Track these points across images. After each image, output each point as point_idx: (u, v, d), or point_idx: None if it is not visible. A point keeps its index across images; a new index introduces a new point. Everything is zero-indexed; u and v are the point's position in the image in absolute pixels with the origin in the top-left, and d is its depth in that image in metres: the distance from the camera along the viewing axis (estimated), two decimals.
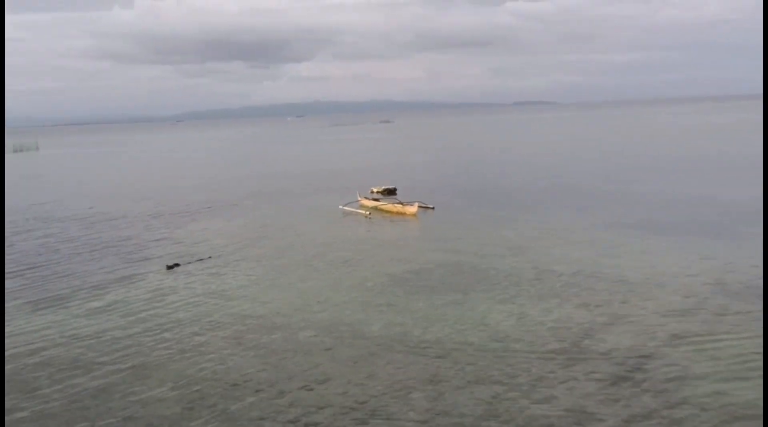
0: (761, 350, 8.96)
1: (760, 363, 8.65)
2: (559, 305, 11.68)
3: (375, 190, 28.28)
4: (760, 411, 7.17)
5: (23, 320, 12.18)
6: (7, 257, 17.68)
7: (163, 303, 12.96)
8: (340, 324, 11.21)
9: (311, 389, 8.65)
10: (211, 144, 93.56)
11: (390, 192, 27.96)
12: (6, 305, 13.11)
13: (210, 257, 16.87)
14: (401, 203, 23.63)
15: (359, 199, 25.32)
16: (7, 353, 10.35)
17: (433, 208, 23.42)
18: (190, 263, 16.31)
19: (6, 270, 16.10)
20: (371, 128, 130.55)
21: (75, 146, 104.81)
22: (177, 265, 16.06)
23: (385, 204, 24.17)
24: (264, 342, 10.50)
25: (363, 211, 23.45)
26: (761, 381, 8.12)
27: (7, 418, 8.14)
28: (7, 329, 11.49)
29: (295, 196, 29.02)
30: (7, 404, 8.52)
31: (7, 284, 14.81)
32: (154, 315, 12.18)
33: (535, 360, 9.25)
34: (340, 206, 24.47)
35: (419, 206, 22.88)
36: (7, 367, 9.78)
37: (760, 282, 12.35)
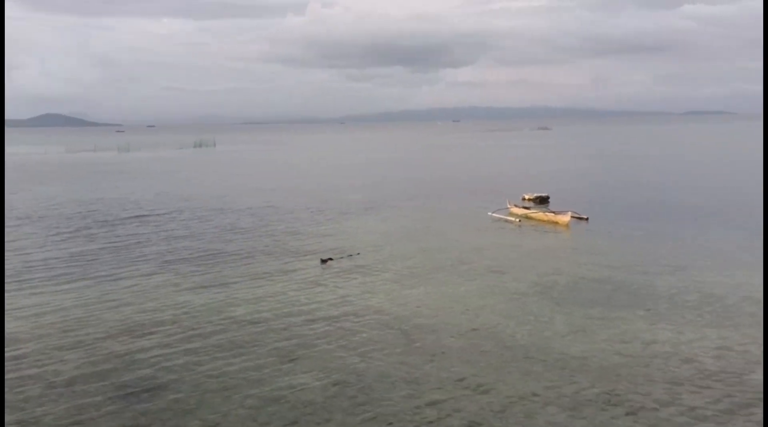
0: None
1: None
2: (722, 333, 10.79)
3: (526, 197, 27.74)
4: None
5: (190, 298, 13.37)
6: (184, 242, 19.50)
7: (315, 295, 13.64)
8: (481, 330, 11.17)
9: (447, 392, 8.71)
10: (370, 145, 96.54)
11: (542, 200, 27.29)
12: (181, 286, 14.48)
13: (359, 254, 17.49)
14: (553, 212, 22.99)
15: (509, 206, 24.97)
16: (173, 332, 11.44)
17: (587, 219, 22.55)
18: (341, 258, 17.02)
19: (184, 254, 17.78)
20: (528, 135, 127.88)
21: (247, 143, 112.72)
22: (330, 259, 16.83)
23: (537, 212, 23.65)
24: (405, 342, 10.72)
25: (513, 219, 23.11)
26: None
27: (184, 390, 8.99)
28: (182, 307, 12.71)
29: (445, 199, 29.21)
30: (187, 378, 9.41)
31: (183, 266, 16.35)
32: (306, 306, 12.85)
33: (687, 390, 8.64)
34: (490, 213, 24.28)
35: (572, 216, 22.13)
36: (165, 349, 10.80)
37: None
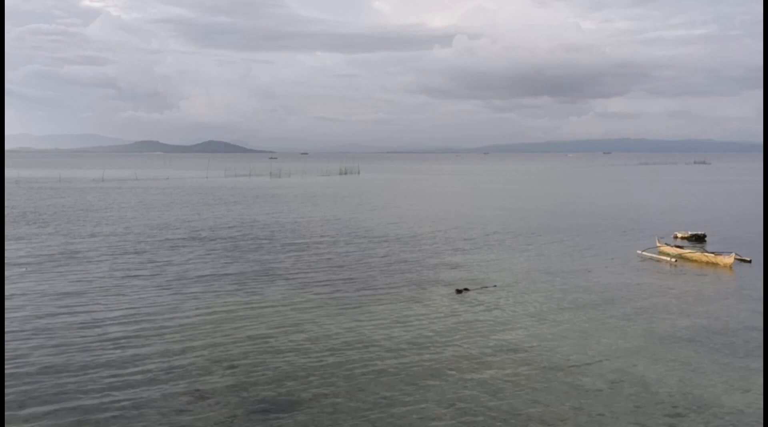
0: None
1: None
2: None
3: (679, 235, 25.88)
4: None
5: (329, 320, 13.69)
6: (324, 266, 20.11)
7: (449, 325, 13.49)
8: (624, 374, 10.44)
9: None
10: (513, 176, 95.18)
11: (698, 239, 25.33)
12: (319, 308, 14.89)
13: (495, 286, 17.10)
14: (713, 253, 21.21)
15: (658, 244, 23.38)
16: (310, 351, 11.74)
17: (749, 261, 20.58)
18: (478, 289, 16.73)
19: (324, 278, 18.32)
20: (683, 169, 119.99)
21: (390, 172, 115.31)
22: (466, 290, 16.61)
23: (693, 252, 21.94)
24: (540, 379, 10.27)
25: (666, 258, 21.59)
26: None
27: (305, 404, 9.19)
28: (319, 328, 13.06)
29: (587, 235, 27.95)
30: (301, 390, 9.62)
31: (322, 289, 16.84)
32: (440, 335, 12.73)
33: None
34: (639, 251, 22.88)
35: (736, 258, 20.30)
36: (308, 360, 11.07)
37: None
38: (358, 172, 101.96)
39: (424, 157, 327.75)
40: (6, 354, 11.08)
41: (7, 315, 13.67)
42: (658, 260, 21.56)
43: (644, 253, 22.56)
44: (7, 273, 18.26)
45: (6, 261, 20.20)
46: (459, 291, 16.51)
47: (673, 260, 21.26)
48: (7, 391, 9.47)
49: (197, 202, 44.62)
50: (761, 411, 8.86)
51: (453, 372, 10.57)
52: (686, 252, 22.03)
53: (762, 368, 10.55)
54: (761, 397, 9.38)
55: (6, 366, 10.50)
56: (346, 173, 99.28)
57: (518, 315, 14.36)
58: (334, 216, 34.55)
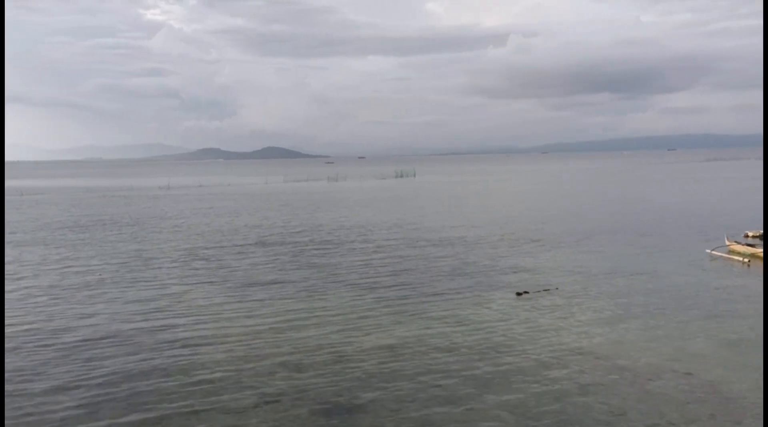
0: None
1: None
2: None
3: (750, 234, 24.90)
4: None
5: (390, 324, 13.80)
6: (383, 270, 20.26)
7: (510, 328, 13.40)
8: (694, 377, 10.17)
9: None
10: (572, 176, 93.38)
11: None
12: (380, 311, 15.03)
13: (557, 288, 16.88)
14: None
15: (728, 243, 22.55)
16: (372, 354, 11.86)
17: None
18: (538, 292, 16.55)
19: (384, 281, 18.46)
20: (752, 165, 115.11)
21: (446, 174, 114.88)
22: (526, 292, 16.46)
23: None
24: (604, 382, 10.11)
25: (737, 258, 20.82)
26: None
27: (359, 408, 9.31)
28: (380, 331, 13.19)
29: (652, 234, 27.20)
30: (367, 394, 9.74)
31: (382, 292, 16.98)
32: (501, 338, 12.67)
33: None
34: (708, 250, 22.15)
35: None
36: (379, 369, 11.19)
37: None
38: (414, 175, 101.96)
39: (480, 159, 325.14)
40: (79, 358, 11.62)
41: (80, 321, 14.33)
42: (729, 260, 20.83)
43: (714, 252, 21.83)
44: (85, 279, 19.12)
45: (83, 268, 21.15)
46: (519, 294, 16.37)
47: (746, 259, 20.49)
48: (80, 395, 9.94)
49: (260, 207, 45.55)
50: None
51: (515, 375, 10.51)
52: (759, 251, 21.19)
53: None
54: None
55: (79, 370, 11.03)
56: (401, 176, 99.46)
57: (581, 318, 14.14)
58: (393, 220, 34.70)
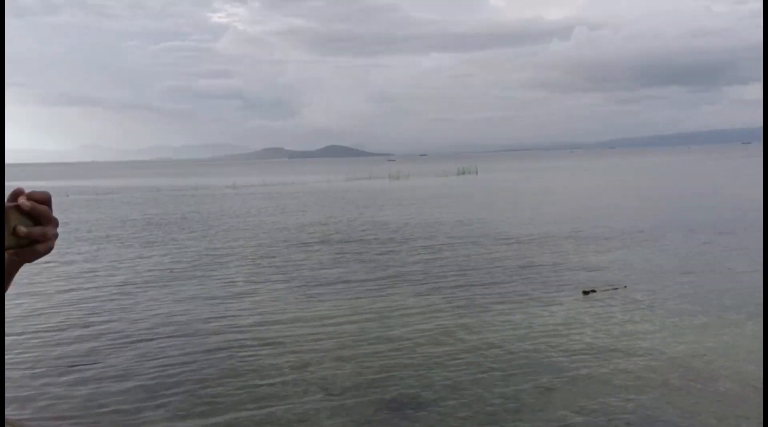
0: None
1: None
2: None
3: None
4: None
5: (455, 323, 13.77)
6: (443, 267, 20.22)
7: (575, 328, 13.14)
8: None
9: None
10: (641, 172, 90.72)
11: None
12: (440, 308, 15.01)
13: (625, 287, 16.45)
14: None
15: None
16: (433, 351, 11.86)
17: None
18: (605, 290, 16.17)
19: (443, 278, 18.42)
20: None
21: (509, 171, 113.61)
22: (593, 291, 16.11)
23: None
24: (677, 385, 9.79)
25: None
26: None
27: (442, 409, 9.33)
28: (441, 329, 13.18)
29: (728, 231, 26.08)
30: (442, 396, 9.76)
31: (446, 290, 16.94)
32: (565, 338, 12.44)
33: None
34: None
35: None
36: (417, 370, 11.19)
37: None
38: (476, 172, 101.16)
39: (544, 155, 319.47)
40: (142, 356, 12.04)
41: (151, 317, 14.86)
42: None
43: None
44: (157, 275, 19.85)
45: (155, 265, 21.97)
46: (586, 293, 16.03)
47: None
48: (148, 387, 10.33)
49: (324, 205, 46.20)
50: None
51: (583, 376, 10.31)
52: None
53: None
54: None
55: (147, 363, 11.46)
56: (464, 173, 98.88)
57: (651, 318, 13.73)
58: (457, 217, 34.55)
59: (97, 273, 20.44)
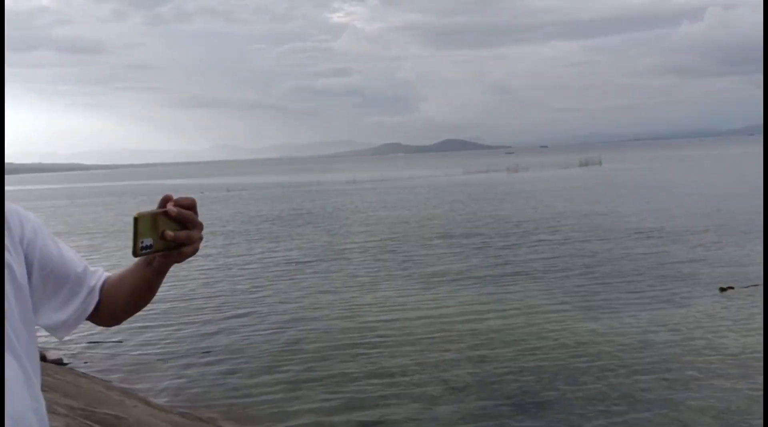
0: None
1: None
2: None
3: None
4: None
5: (578, 321, 13.44)
6: (566, 262, 19.71)
7: (711, 325, 12.45)
8: None
9: None
10: None
11: None
12: (565, 305, 14.69)
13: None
14: None
15: None
16: (556, 350, 11.64)
17: None
18: (745, 287, 15.13)
19: (565, 274, 17.97)
20: None
21: (636, 161, 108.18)
22: (731, 288, 15.14)
23: None
24: None
25: None
26: None
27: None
28: (565, 328, 12.92)
29: None
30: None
31: (570, 287, 16.54)
32: (700, 336, 11.80)
33: None
34: None
35: None
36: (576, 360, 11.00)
37: None
38: (600, 163, 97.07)
39: (675, 143, 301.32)
40: (273, 348, 12.60)
41: (275, 314, 15.60)
42: None
43: None
44: (284, 269, 20.83)
45: (282, 258, 23.05)
46: (723, 290, 15.08)
47: None
48: (280, 376, 10.88)
49: (442, 200, 46.33)
50: None
51: (716, 378, 9.77)
52: None
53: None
54: None
55: (277, 353, 12.08)
56: (586, 165, 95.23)
57: None
58: (581, 211, 33.46)
59: (231, 267, 21.71)
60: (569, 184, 57.86)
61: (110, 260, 23.26)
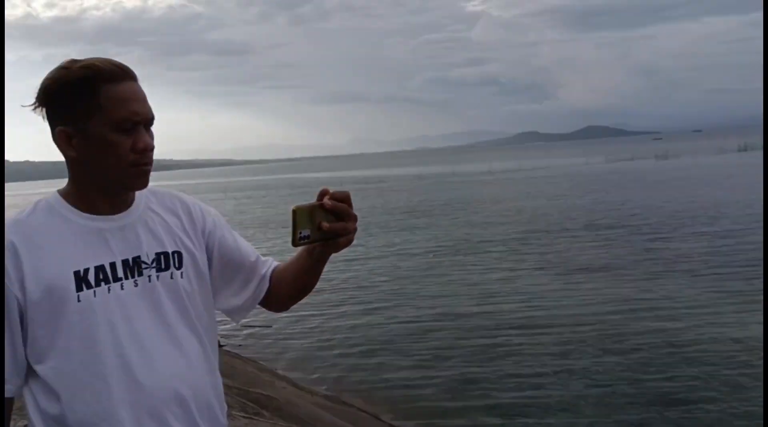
0: None
1: None
2: None
3: None
4: None
5: (733, 319, 12.44)
6: (732, 258, 18.24)
7: None
8: None
9: None
10: None
11: None
12: (725, 304, 13.63)
13: None
14: None
15: None
16: (707, 346, 10.83)
17: None
18: None
19: (727, 271, 16.64)
20: None
21: None
22: None
23: None
24: None
25: None
26: None
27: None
28: (723, 325, 12.00)
29: None
30: None
31: (728, 282, 15.32)
32: None
33: None
34: None
35: None
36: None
37: None
38: (762, 148, 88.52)
39: None
40: (413, 337, 12.75)
41: (413, 304, 15.75)
42: None
43: None
44: (421, 261, 21.02)
45: (420, 250, 23.28)
46: None
47: None
48: (417, 372, 10.99)
49: (583, 189, 44.62)
50: None
51: None
52: None
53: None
54: None
55: (413, 348, 12.19)
56: (746, 150, 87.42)
57: None
58: (741, 199, 30.66)
59: (371, 258, 22.22)
60: (727, 171, 53.41)
61: (260, 251, 24.62)
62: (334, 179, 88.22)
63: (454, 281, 17.44)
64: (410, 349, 11.89)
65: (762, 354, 7.94)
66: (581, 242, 22.34)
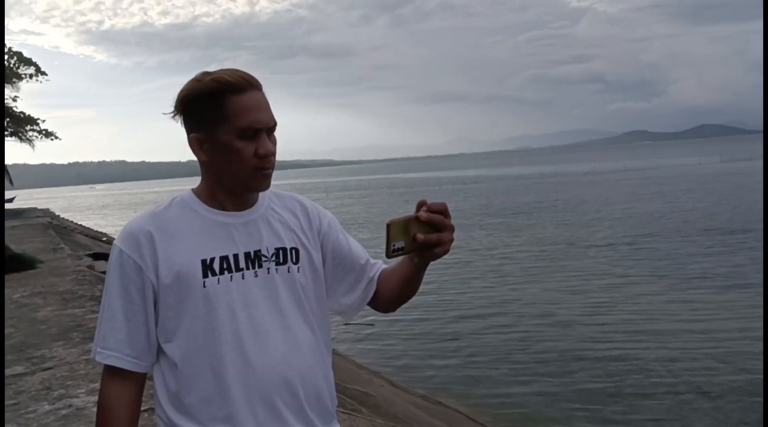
0: None
1: None
2: None
3: None
4: None
5: None
6: None
7: None
8: None
9: None
10: None
11: None
12: None
13: None
14: None
15: None
16: None
17: None
18: None
19: None
20: None
21: None
22: None
23: None
24: None
25: None
26: None
27: None
28: None
29: None
30: None
31: None
32: None
33: None
34: None
35: None
36: None
37: None
38: None
39: None
40: (510, 340, 12.58)
41: (512, 306, 15.47)
42: None
43: None
44: (520, 266, 20.63)
45: (519, 252, 22.84)
46: None
47: None
48: (519, 372, 10.81)
49: (697, 191, 42.33)
50: None
51: None
52: None
53: None
54: None
55: (508, 347, 11.97)
56: None
57: None
58: None
59: (470, 261, 21.96)
60: None
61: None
62: (431, 179, 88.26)
63: (550, 286, 17.03)
64: (509, 355, 11.71)
65: None
66: (695, 247, 21.06)
